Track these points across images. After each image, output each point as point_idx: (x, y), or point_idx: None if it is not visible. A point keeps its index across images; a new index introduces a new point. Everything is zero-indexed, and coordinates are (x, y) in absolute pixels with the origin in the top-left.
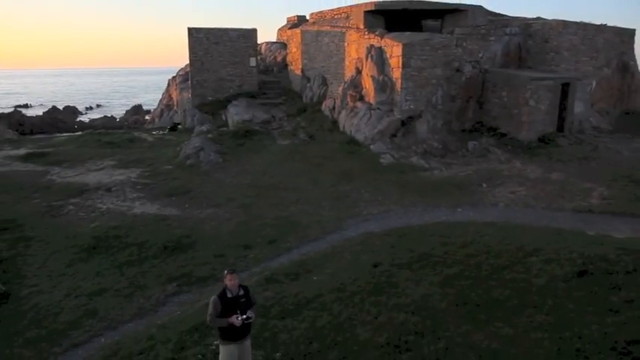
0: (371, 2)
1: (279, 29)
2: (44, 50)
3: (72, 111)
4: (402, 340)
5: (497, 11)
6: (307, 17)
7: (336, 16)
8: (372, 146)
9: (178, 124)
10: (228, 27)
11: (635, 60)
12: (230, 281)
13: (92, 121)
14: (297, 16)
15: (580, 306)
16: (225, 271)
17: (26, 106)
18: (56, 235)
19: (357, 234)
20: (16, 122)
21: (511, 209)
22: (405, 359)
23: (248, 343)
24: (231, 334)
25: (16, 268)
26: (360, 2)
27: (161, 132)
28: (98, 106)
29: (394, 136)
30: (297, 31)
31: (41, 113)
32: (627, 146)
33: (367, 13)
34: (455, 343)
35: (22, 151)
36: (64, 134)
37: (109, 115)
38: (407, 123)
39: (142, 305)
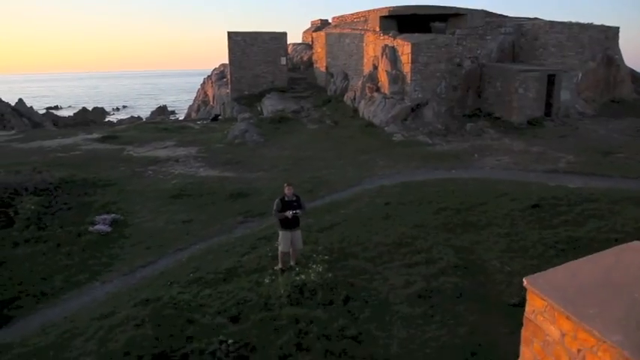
0: (385, 8)
1: (304, 32)
2: (63, 55)
3: (101, 111)
4: (402, 242)
5: (499, 12)
6: (329, 20)
7: (355, 20)
8: (386, 128)
9: (219, 115)
10: (262, 31)
11: (619, 54)
12: (287, 190)
13: (120, 121)
14: (321, 19)
15: (529, 224)
16: (285, 184)
17: (56, 107)
18: (146, 189)
19: (373, 186)
20: (51, 122)
21: (494, 170)
22: (404, 251)
23: (298, 232)
24: (286, 224)
25: (125, 207)
26: (376, 8)
27: (205, 122)
28: (124, 107)
29: (405, 119)
30: (322, 33)
31: (72, 114)
32: (604, 127)
33: (382, 17)
34: (438, 243)
35: (95, 135)
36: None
37: (136, 116)
38: (415, 109)
39: (220, 229)
